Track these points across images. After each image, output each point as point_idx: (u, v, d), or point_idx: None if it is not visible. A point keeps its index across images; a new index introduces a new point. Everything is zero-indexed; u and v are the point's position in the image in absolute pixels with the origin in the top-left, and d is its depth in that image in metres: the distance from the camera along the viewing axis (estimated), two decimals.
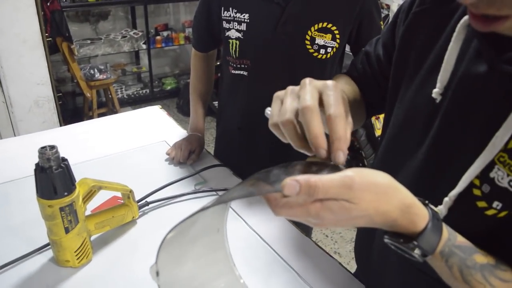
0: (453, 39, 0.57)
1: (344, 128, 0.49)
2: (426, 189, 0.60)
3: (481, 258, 0.51)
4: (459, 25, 0.57)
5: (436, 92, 0.60)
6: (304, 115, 0.49)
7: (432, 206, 0.51)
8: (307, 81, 0.53)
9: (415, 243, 0.48)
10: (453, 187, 0.55)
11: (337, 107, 0.50)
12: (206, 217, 0.59)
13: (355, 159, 2.82)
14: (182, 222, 0.49)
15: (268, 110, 0.58)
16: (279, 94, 0.56)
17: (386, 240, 0.51)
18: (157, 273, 0.55)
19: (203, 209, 0.48)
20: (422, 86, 0.64)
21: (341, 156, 0.48)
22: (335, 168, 0.48)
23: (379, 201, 0.46)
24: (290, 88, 0.55)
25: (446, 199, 0.56)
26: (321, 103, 0.51)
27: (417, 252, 0.48)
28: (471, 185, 0.53)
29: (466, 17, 0.56)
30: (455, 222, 0.54)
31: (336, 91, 0.51)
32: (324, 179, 0.44)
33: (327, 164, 0.49)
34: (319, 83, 0.53)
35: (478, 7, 0.43)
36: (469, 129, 0.55)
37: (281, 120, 0.51)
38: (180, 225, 0.50)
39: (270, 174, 0.49)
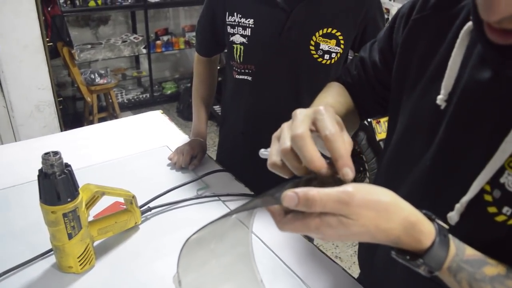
0: (456, 45, 0.57)
1: (343, 145, 0.49)
2: (434, 195, 0.60)
3: (491, 270, 0.50)
4: (462, 32, 0.57)
5: (440, 99, 0.59)
6: (295, 143, 0.49)
7: (440, 222, 0.50)
8: (297, 111, 0.53)
9: (421, 260, 0.48)
10: (462, 193, 0.55)
11: (331, 127, 0.50)
12: (224, 229, 0.59)
13: (356, 163, 2.81)
14: (199, 231, 0.49)
15: (263, 151, 0.58)
16: (276, 134, 0.56)
17: (393, 256, 0.50)
18: (180, 283, 0.54)
19: (216, 220, 0.48)
20: (425, 92, 0.64)
21: (349, 172, 0.48)
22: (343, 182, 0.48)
23: (379, 218, 0.46)
24: (285, 124, 0.55)
25: (457, 205, 0.55)
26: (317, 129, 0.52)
27: (423, 268, 0.48)
28: (482, 191, 0.53)
29: (469, 24, 0.56)
30: (467, 229, 0.53)
31: (328, 113, 0.52)
32: (322, 193, 0.45)
33: (336, 179, 0.50)
34: (309, 110, 0.53)
35: (501, 23, 0.44)
36: (476, 135, 0.55)
37: (281, 148, 0.51)
38: (198, 233, 0.49)
39: (279, 188, 0.50)
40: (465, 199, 0.54)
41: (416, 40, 0.68)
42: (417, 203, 0.63)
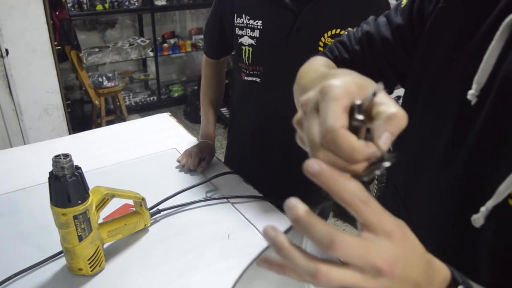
0: (495, 38, 0.52)
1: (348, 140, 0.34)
2: (462, 197, 0.58)
3: None
4: (504, 24, 0.52)
5: (471, 94, 0.55)
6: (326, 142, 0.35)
7: None
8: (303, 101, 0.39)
9: None
10: (489, 196, 0.52)
11: (331, 118, 0.35)
12: None
13: None
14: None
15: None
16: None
17: None
18: None
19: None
20: (453, 87, 0.59)
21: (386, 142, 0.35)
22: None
23: None
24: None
25: (483, 208, 0.52)
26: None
27: None
28: (507, 196, 0.50)
29: (511, 16, 0.51)
30: (493, 232, 0.51)
31: (334, 90, 0.36)
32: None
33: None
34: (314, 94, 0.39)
35: None
36: (509, 136, 0.51)
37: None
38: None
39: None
40: (491, 203, 0.51)
41: (441, 31, 0.62)
42: (442, 205, 0.61)
